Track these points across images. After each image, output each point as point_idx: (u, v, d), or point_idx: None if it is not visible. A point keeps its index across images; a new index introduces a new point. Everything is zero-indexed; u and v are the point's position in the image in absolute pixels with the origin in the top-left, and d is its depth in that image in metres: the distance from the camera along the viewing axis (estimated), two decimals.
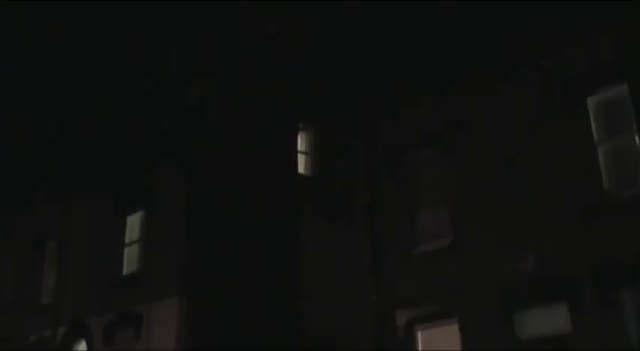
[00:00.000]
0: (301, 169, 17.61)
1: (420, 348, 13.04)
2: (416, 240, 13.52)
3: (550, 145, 11.87)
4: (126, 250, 17.31)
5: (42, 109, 18.74)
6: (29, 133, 19.33)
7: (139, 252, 16.94)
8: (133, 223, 17.41)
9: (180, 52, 16.48)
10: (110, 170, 17.82)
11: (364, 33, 14.63)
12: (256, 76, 16.86)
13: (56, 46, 16.97)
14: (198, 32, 16.16)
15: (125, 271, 17.10)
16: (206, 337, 15.07)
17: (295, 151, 17.62)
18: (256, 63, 16.78)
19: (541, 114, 12.11)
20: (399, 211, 13.85)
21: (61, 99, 18.16)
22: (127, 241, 17.36)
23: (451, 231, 13.00)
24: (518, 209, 12.04)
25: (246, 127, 16.78)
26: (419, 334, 13.07)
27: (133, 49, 16.47)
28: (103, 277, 17.21)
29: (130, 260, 17.11)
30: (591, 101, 11.80)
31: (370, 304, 13.62)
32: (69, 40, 16.73)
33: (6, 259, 21.17)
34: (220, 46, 16.56)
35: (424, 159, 13.97)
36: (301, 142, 17.87)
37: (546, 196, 11.73)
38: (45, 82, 17.83)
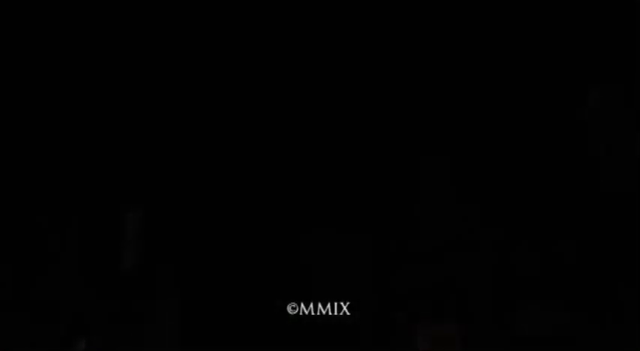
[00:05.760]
0: None
1: (419, 346, 13.05)
2: (416, 236, 13.52)
3: (548, 143, 11.90)
4: (126, 248, 17.35)
5: (42, 109, 18.81)
6: (29, 133, 19.40)
7: (138, 250, 16.99)
8: (134, 221, 17.46)
9: (180, 51, 16.54)
10: (111, 168, 17.86)
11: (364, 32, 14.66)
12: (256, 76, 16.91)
13: (56, 46, 17.04)
14: (197, 31, 16.21)
15: (125, 269, 17.15)
16: (207, 335, 15.12)
17: None
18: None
19: (539, 112, 12.14)
20: (398, 206, 13.86)
21: (60, 99, 18.22)
22: (127, 238, 17.41)
23: (452, 227, 13.01)
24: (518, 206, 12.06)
25: None
26: (419, 332, 13.08)
27: (133, 49, 16.53)
28: (103, 274, 17.26)
29: (129, 258, 17.16)
30: (591, 99, 11.83)
31: (369, 302, 13.64)
32: (68, 40, 16.81)
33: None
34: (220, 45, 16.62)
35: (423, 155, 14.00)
36: None
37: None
38: (44, 81, 17.90)
